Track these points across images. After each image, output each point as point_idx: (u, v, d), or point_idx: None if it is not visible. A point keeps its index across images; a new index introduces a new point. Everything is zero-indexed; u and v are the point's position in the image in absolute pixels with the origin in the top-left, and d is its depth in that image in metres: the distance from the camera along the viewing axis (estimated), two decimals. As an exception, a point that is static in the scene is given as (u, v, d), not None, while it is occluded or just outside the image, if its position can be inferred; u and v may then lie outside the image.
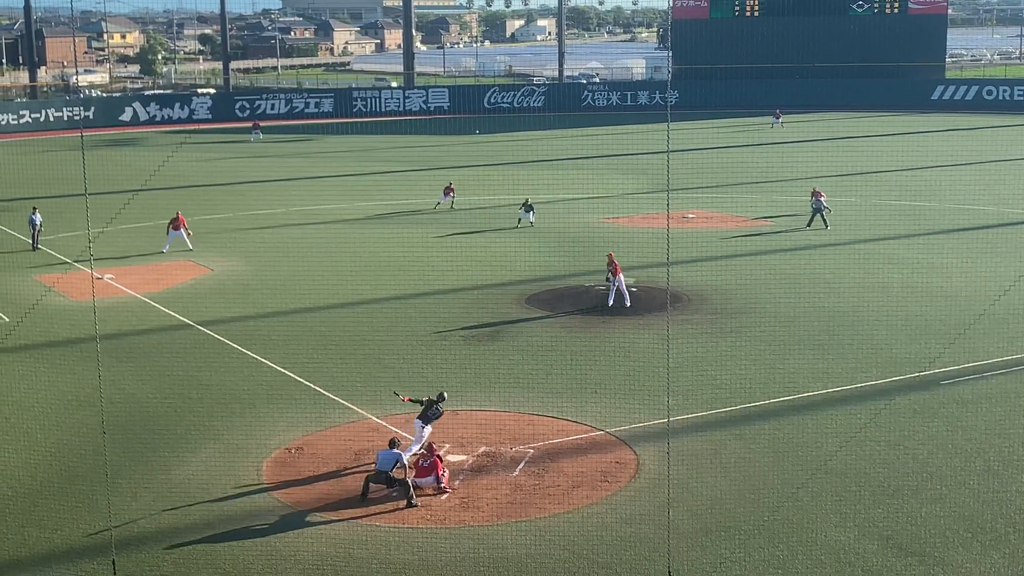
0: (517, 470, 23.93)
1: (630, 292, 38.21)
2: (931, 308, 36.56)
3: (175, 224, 47.52)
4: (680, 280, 39.50)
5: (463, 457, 24.41)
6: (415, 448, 24.07)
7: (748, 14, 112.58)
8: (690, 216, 53.36)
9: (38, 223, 48.44)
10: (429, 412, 24.54)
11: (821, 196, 52.10)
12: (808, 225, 50.61)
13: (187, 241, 47.42)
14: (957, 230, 50.28)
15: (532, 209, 52.07)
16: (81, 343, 33.18)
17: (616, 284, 37.41)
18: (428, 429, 24.47)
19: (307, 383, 29.77)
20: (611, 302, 37.28)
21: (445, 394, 25.22)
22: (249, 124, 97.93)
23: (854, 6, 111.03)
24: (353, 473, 23.61)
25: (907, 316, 35.64)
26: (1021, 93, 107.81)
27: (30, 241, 48.46)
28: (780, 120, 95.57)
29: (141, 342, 34.15)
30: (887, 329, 34.24)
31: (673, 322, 34.48)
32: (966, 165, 70.46)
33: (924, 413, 27.00)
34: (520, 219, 51.96)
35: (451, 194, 58.12)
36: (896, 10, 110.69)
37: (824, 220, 50.72)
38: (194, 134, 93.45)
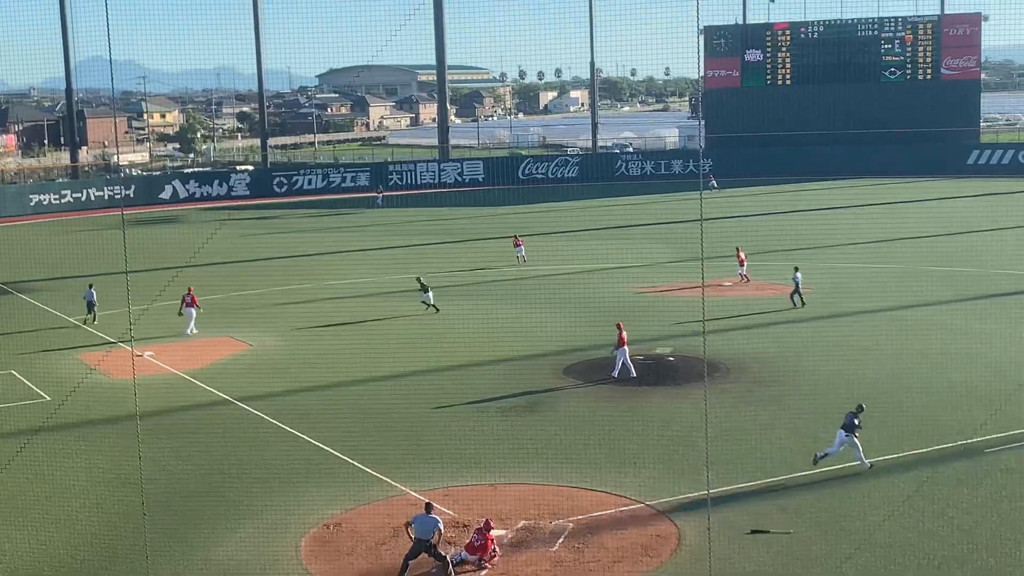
0: (557, 544, 23.74)
1: (668, 361, 38.04)
2: (973, 375, 36.16)
3: (189, 301, 46.29)
4: (718, 349, 39.31)
5: (502, 532, 24.23)
6: (833, 450, 27.51)
7: (780, 83, 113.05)
8: (727, 284, 53.26)
9: (89, 299, 49.21)
10: (847, 420, 27.47)
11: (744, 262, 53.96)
12: (798, 303, 47.77)
13: (192, 323, 46.09)
14: (997, 295, 49.84)
15: (428, 289, 49.41)
16: (121, 421, 33.35)
17: (619, 355, 37.30)
18: (852, 437, 27.27)
19: (345, 458, 29.75)
20: (615, 373, 37.12)
21: (863, 405, 28.39)
22: (375, 193, 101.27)
23: (886, 73, 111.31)
24: (392, 550, 23.50)
25: (949, 383, 35.26)
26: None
27: (89, 315, 49.10)
28: (714, 184, 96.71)
29: (181, 419, 34.31)
30: (928, 396, 33.88)
31: (711, 391, 34.25)
32: (1005, 229, 70.04)
33: (969, 482, 26.62)
34: (424, 303, 49.18)
35: (521, 246, 62.45)
36: (929, 76, 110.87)
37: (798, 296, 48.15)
38: (236, 210, 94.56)
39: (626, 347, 37.22)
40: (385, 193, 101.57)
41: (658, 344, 41.30)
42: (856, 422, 27.48)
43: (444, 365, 39.72)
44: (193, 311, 46.45)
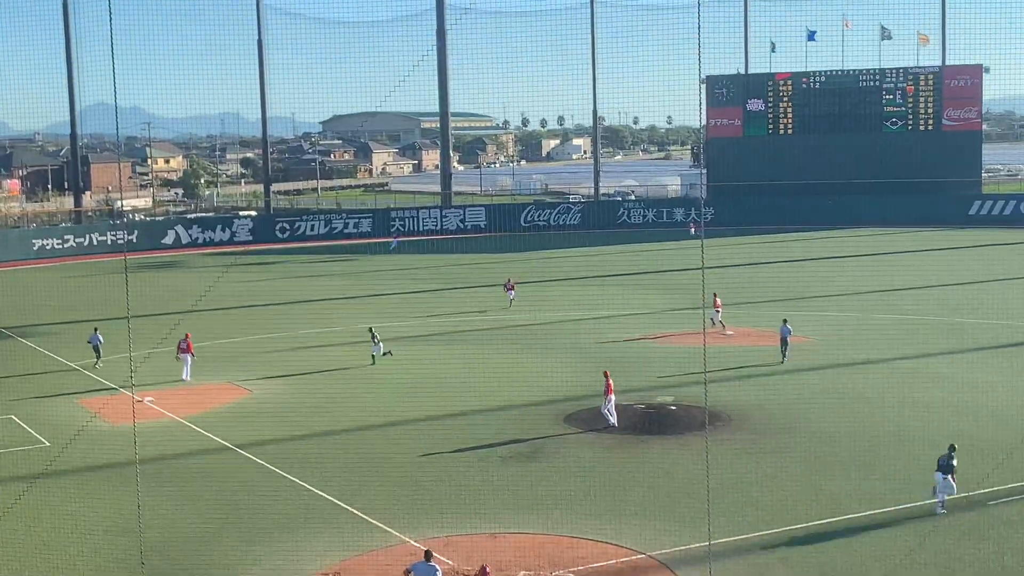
0: (558, 596, 23.57)
1: (669, 410, 37.93)
2: (976, 427, 36.03)
3: (185, 347, 46.27)
4: (720, 398, 39.19)
5: (503, 582, 24.07)
6: (941, 495, 27.75)
7: (782, 132, 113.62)
8: (729, 333, 53.19)
9: (95, 343, 49.25)
10: (941, 462, 27.92)
11: (719, 307, 53.68)
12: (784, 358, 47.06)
13: (187, 369, 46.20)
14: (1000, 347, 49.73)
15: (379, 341, 48.71)
16: (121, 468, 33.22)
17: (605, 404, 37.24)
18: (949, 479, 27.62)
19: (345, 506, 29.62)
20: (614, 422, 36.99)
21: (955, 445, 29.00)
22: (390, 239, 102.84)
23: (888, 123, 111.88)
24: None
25: (951, 435, 35.01)
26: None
27: (95, 358, 49.13)
28: (693, 231, 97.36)
29: (180, 466, 34.18)
30: (932, 448, 33.55)
31: (713, 441, 34.09)
32: (1007, 280, 70.05)
33: (972, 535, 26.45)
34: (374, 355, 48.60)
35: (512, 290, 63.27)
36: (930, 127, 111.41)
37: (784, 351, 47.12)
38: (238, 255, 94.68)
39: (612, 396, 37.16)
40: (400, 238, 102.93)
41: (659, 393, 41.23)
42: (952, 463, 27.87)
43: (445, 412, 39.60)
44: (188, 358, 46.44)
